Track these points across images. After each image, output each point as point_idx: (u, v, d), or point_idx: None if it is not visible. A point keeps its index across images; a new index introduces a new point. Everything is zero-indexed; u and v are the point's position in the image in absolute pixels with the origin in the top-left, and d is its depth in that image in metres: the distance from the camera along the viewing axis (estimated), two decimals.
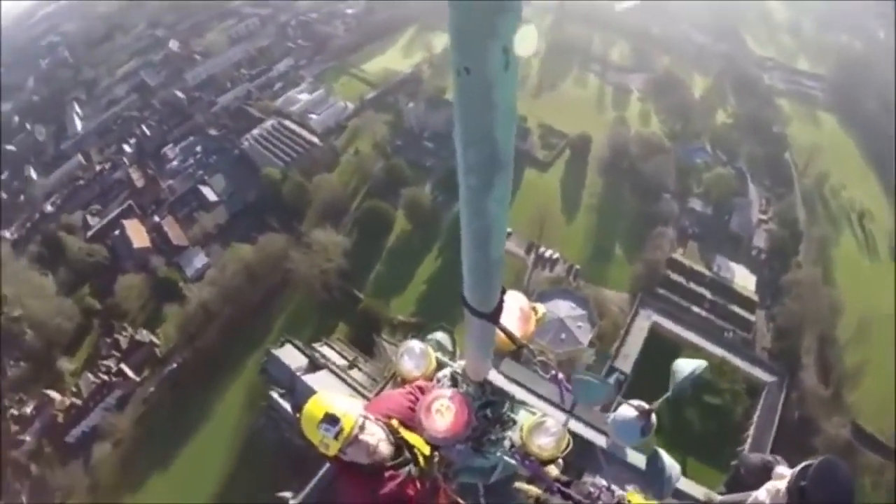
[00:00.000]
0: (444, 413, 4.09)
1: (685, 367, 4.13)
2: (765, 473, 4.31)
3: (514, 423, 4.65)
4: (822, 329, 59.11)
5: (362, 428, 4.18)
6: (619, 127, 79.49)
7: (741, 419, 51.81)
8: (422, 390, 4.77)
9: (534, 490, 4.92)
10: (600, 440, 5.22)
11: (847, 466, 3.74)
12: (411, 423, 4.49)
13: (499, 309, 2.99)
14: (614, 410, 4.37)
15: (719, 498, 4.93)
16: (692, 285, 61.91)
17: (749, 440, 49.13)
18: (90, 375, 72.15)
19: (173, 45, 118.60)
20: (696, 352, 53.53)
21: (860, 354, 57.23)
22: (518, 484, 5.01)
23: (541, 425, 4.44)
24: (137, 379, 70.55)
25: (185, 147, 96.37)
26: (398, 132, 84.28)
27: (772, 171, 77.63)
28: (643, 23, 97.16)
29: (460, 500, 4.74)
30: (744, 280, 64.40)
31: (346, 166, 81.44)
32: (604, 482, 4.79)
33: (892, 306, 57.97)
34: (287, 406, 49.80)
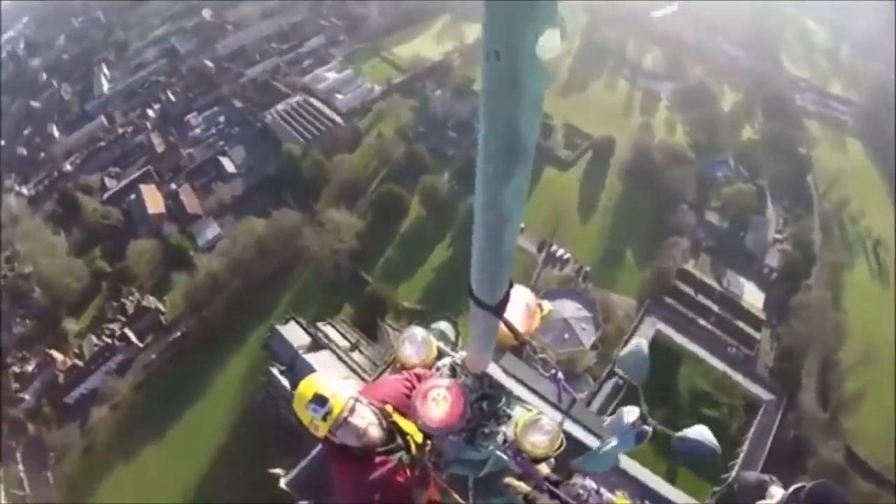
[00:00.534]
0: (439, 402, 4.07)
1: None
2: (759, 492, 4.29)
3: (510, 418, 4.58)
4: (825, 352, 58.72)
5: (352, 410, 4.21)
6: (644, 133, 78.56)
7: (736, 434, 51.22)
8: (419, 378, 4.78)
9: (524, 487, 4.85)
10: (594, 443, 4.91)
11: (841, 492, 3.60)
12: (406, 410, 4.50)
13: (504, 302, 2.93)
14: (609, 415, 4.33)
15: None
16: (700, 297, 61.29)
17: (742, 456, 48.97)
18: (94, 338, 72.27)
19: (206, 13, 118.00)
20: (697, 363, 54.27)
21: (861, 381, 56.72)
22: (508, 479, 4.93)
23: (536, 423, 4.36)
24: (140, 345, 70.50)
25: (208, 116, 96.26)
26: (422, 119, 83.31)
27: (792, 191, 76.21)
28: (678, 31, 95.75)
29: (450, 491, 4.61)
30: (753, 297, 63.68)
31: (367, 148, 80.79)
32: (593, 485, 4.80)
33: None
34: (286, 383, 49.74)
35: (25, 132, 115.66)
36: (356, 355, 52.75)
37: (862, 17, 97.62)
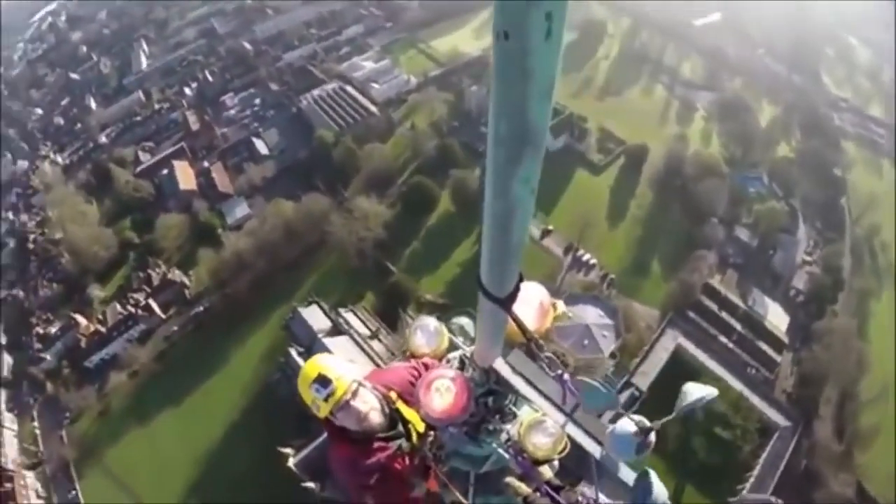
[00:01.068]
0: (443, 393, 4.02)
1: (695, 391, 3.86)
2: None
3: (515, 416, 4.54)
4: (845, 383, 57.22)
5: (355, 394, 4.26)
6: (679, 143, 77.50)
7: (748, 457, 50.68)
8: (427, 367, 4.75)
9: (524, 488, 4.77)
10: (596, 450, 4.87)
11: None
12: (410, 398, 4.47)
13: (513, 295, 2.90)
14: (613, 422, 4.19)
15: None
16: (724, 314, 60.43)
17: (751, 480, 48.64)
18: (118, 306, 73.61)
19: None
20: (715, 381, 52.86)
21: (878, 416, 55.58)
22: (510, 479, 4.85)
23: (540, 424, 4.33)
24: (163, 316, 71.71)
25: (244, 98, 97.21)
26: (457, 113, 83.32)
27: (825, 213, 74.90)
28: (719, 42, 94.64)
29: (450, 484, 4.60)
30: (777, 319, 62.56)
31: (399, 139, 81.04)
32: (592, 494, 4.74)
33: None
34: (303, 365, 50.12)
35: (63, 103, 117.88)
36: (375, 343, 52.95)
37: None
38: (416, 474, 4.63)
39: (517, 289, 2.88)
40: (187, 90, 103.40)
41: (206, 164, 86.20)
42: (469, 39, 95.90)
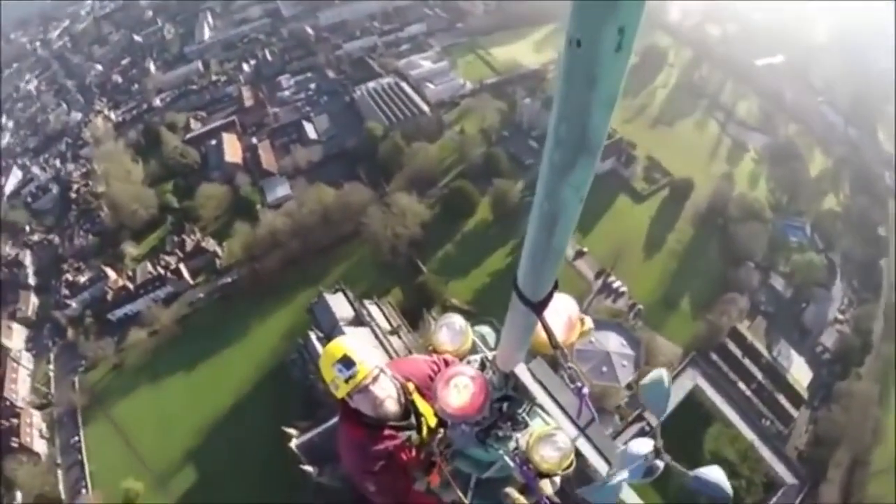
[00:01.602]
0: (461, 390, 3.99)
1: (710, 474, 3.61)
2: None
3: (526, 426, 4.43)
4: (859, 449, 55.86)
5: (375, 379, 4.32)
6: (725, 182, 76.27)
7: None
8: (447, 363, 4.74)
9: (522, 501, 4.66)
10: (603, 468, 4.70)
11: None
12: (427, 392, 4.58)
13: (545, 302, 2.87)
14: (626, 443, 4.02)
15: None
16: (747, 361, 59.41)
17: None
18: (149, 265, 74.92)
19: None
20: (727, 428, 52.83)
21: (887, 488, 53.70)
22: (510, 490, 4.72)
23: (550, 437, 4.21)
24: (191, 282, 72.92)
25: (300, 81, 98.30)
26: (507, 123, 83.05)
27: (863, 272, 73.05)
28: (779, 84, 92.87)
29: (453, 483, 4.53)
30: (799, 373, 61.13)
31: (447, 142, 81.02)
32: None
33: None
34: (321, 350, 50.21)
35: (123, 62, 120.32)
36: (394, 339, 53.07)
37: None
38: (420, 468, 4.66)
39: (550, 296, 2.88)
40: (245, 66, 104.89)
41: (254, 140, 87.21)
42: (529, 52, 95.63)
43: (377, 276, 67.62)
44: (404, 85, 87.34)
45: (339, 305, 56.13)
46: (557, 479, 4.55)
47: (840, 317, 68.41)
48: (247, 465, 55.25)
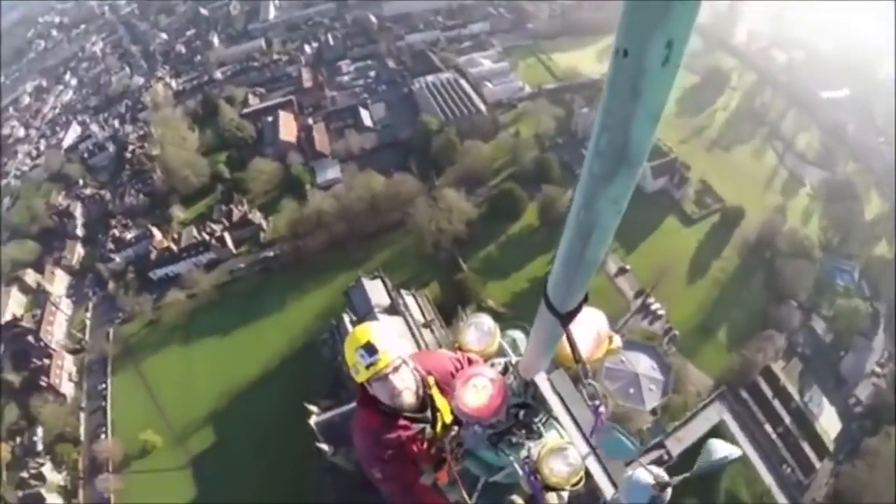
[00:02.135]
0: (479, 390, 4.00)
1: (719, 449, 3.81)
2: None
3: (540, 437, 4.46)
4: None
5: (396, 370, 4.34)
6: (777, 215, 74.30)
7: None
8: (470, 362, 4.79)
9: None
10: (609, 491, 4.63)
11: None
12: (447, 388, 4.55)
13: (573, 314, 2.83)
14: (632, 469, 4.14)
15: None
16: (776, 403, 57.07)
17: None
18: (195, 230, 76.45)
19: None
20: (746, 468, 51.26)
21: None
22: (515, 497, 4.84)
23: (562, 451, 4.20)
24: (234, 251, 74.29)
25: (360, 68, 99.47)
26: (562, 130, 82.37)
27: None
28: (843, 120, 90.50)
29: (459, 483, 4.57)
30: (829, 423, 58.55)
31: (500, 143, 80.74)
32: None
33: None
34: (354, 328, 50.51)
35: (188, 33, 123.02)
36: (426, 332, 53.03)
37: None
38: (429, 462, 4.71)
39: (579, 308, 2.83)
40: (307, 48, 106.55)
41: (310, 121, 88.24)
42: (590, 60, 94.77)
43: (417, 268, 67.76)
44: (463, 82, 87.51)
45: (376, 292, 56.28)
46: (565, 494, 4.54)
47: (878, 370, 65.47)
48: (264, 436, 56.12)
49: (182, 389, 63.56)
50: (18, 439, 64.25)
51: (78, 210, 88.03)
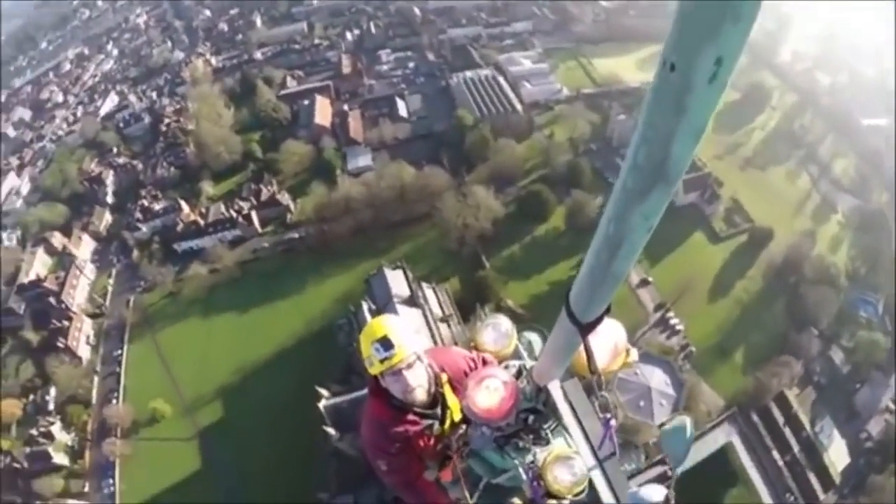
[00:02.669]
0: (491, 392, 3.96)
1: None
2: None
3: (547, 443, 4.44)
4: None
5: (410, 366, 4.30)
6: (806, 240, 72.85)
7: None
8: (485, 362, 4.79)
9: None
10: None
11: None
12: (458, 386, 4.56)
13: (593, 324, 2.79)
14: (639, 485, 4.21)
15: None
16: (786, 430, 56.00)
17: None
18: (222, 206, 77.07)
19: None
20: (749, 494, 50.64)
21: None
22: (515, 500, 4.95)
23: (568, 460, 4.23)
24: (259, 230, 74.79)
25: (399, 58, 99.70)
26: (597, 136, 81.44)
27: None
28: (882, 149, 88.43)
29: (462, 482, 4.63)
30: (837, 456, 57.04)
31: (534, 143, 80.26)
32: None
33: None
34: (371, 320, 50.33)
35: (232, 12, 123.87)
36: (443, 327, 52.64)
37: None
38: (434, 458, 4.78)
39: (600, 320, 2.79)
40: (348, 34, 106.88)
41: (345, 107, 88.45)
42: (631, 68, 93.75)
43: (439, 262, 67.51)
44: (501, 80, 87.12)
45: (397, 282, 55.91)
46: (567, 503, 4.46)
47: (892, 406, 64.39)
48: (273, 415, 56.63)
49: (196, 362, 64.48)
50: (31, 397, 65.63)
51: (109, 178, 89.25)
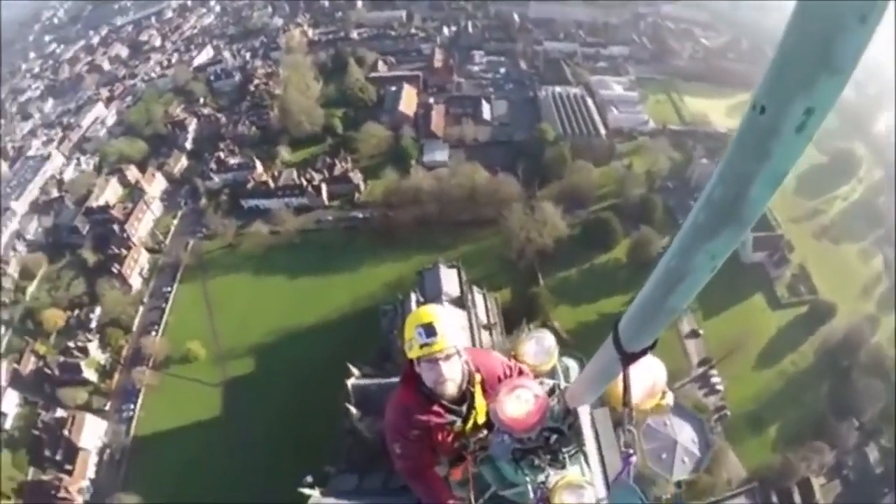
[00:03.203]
0: (520, 402, 3.98)
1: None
2: None
3: (563, 467, 4.40)
4: None
5: (448, 357, 4.31)
6: (868, 325, 69.87)
7: None
8: (521, 372, 4.77)
9: None
10: None
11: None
12: (490, 390, 4.58)
13: (637, 356, 2.76)
14: None
15: None
16: None
17: None
18: (294, 173, 78.85)
19: None
20: None
21: None
22: None
23: (579, 488, 4.15)
24: (326, 203, 76.41)
25: (492, 62, 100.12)
26: (676, 175, 79.83)
27: None
28: None
29: (471, 485, 4.67)
30: None
31: (611, 171, 79.24)
32: None
33: None
34: (418, 308, 50.28)
35: None
36: (485, 335, 52.38)
37: None
38: (448, 455, 4.84)
39: (644, 352, 2.75)
40: (445, 30, 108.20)
41: (431, 100, 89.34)
42: (721, 112, 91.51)
43: (495, 269, 67.18)
44: (589, 101, 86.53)
45: (449, 281, 55.86)
46: None
47: None
48: (301, 382, 57.81)
49: (239, 315, 66.26)
50: (76, 312, 69.20)
51: (192, 125, 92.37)
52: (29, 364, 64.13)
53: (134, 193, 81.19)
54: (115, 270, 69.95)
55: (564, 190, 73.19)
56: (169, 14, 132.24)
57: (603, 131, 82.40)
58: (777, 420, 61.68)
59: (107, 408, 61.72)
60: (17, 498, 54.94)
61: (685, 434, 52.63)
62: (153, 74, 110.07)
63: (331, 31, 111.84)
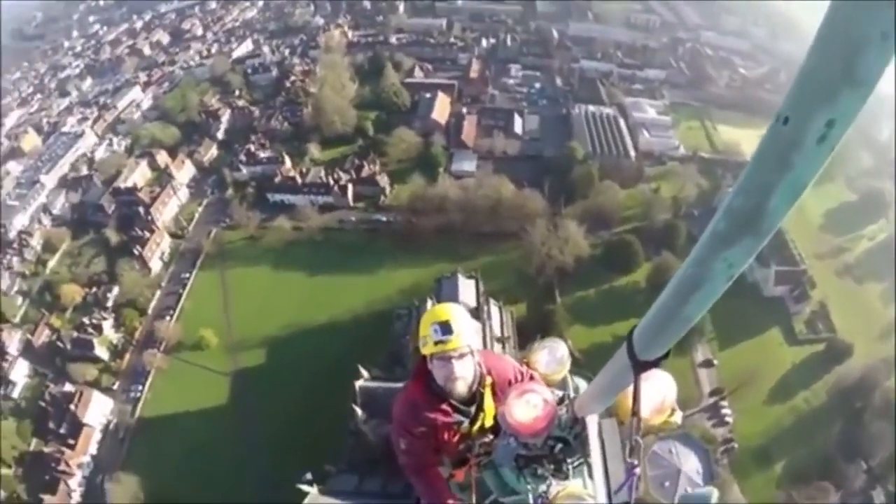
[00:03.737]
0: (529, 407, 3.97)
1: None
2: None
3: (566, 478, 4.35)
4: None
5: (461, 356, 4.28)
6: (884, 369, 67.83)
7: None
8: (532, 379, 4.73)
9: None
10: None
11: None
12: (500, 393, 4.55)
13: (650, 365, 2.79)
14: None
15: None
16: None
17: None
18: (322, 172, 79.38)
19: None
20: None
21: None
22: None
23: (579, 500, 4.12)
24: (351, 203, 76.85)
25: (528, 76, 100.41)
26: (703, 203, 78.12)
27: None
28: None
29: (473, 489, 4.58)
30: None
31: (637, 193, 78.83)
32: None
33: None
34: (434, 308, 50.14)
35: None
36: (497, 347, 52.16)
37: None
38: (452, 455, 4.81)
39: (657, 362, 2.77)
40: (484, 41, 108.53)
41: (464, 110, 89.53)
42: (753, 143, 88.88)
43: (513, 283, 66.92)
44: (622, 122, 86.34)
45: (466, 291, 55.78)
46: None
47: None
48: (309, 378, 58.00)
49: (255, 307, 66.88)
50: (94, 289, 70.10)
51: (225, 116, 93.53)
52: (42, 336, 65.27)
53: (162, 178, 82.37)
54: (136, 252, 71.03)
55: (589, 209, 72.68)
56: (213, 5, 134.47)
57: (633, 153, 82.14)
58: (785, 457, 60.73)
59: (115, 387, 62.59)
60: (18, 467, 55.79)
61: (690, 463, 52.27)
62: (192, 63, 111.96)
63: (370, 34, 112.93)
